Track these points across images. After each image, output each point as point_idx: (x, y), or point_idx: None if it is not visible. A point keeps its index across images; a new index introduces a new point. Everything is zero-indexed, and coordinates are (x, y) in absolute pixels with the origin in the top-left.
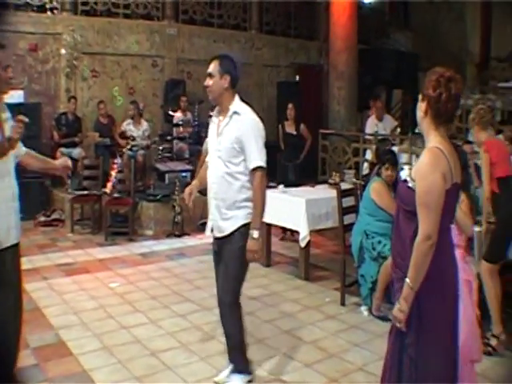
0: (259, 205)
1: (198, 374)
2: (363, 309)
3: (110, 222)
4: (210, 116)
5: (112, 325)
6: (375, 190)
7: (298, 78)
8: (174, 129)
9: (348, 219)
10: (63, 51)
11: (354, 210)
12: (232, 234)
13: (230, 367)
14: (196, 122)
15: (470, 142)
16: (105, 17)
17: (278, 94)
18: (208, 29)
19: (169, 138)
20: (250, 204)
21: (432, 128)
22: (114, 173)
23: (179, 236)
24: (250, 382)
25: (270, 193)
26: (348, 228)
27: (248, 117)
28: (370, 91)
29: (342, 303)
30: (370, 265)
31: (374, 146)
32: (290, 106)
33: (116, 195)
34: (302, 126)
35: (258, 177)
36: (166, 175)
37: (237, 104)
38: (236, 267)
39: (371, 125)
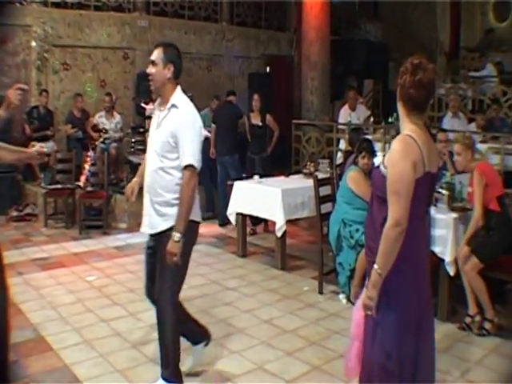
0: (184, 206)
1: (180, 365)
2: (341, 297)
3: (84, 215)
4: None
5: (91, 318)
6: (352, 178)
7: (268, 69)
8: (146, 121)
9: (324, 208)
10: (33, 43)
11: (330, 199)
12: (165, 232)
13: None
14: None
15: (444, 130)
16: (76, 9)
17: (248, 85)
18: (179, 20)
19: (141, 130)
20: None
21: (404, 114)
22: (87, 166)
23: None
24: None
25: (245, 183)
26: (324, 217)
27: (185, 111)
28: (341, 81)
29: (320, 292)
30: (348, 253)
31: (347, 136)
32: (256, 96)
33: (89, 188)
34: (268, 117)
35: (187, 176)
36: (140, 168)
37: (177, 96)
38: (172, 268)
39: (344, 114)
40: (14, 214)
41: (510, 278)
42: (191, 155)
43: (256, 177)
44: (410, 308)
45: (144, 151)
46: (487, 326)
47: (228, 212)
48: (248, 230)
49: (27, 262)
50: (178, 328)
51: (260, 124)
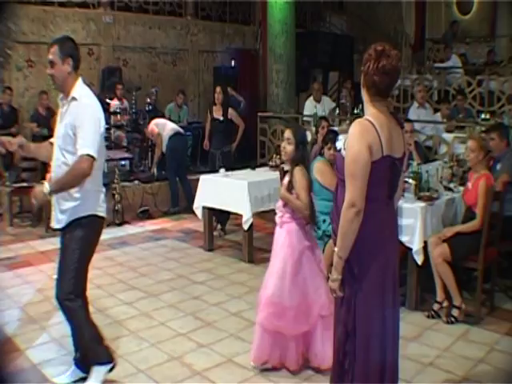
0: (67, 177)
1: (150, 360)
2: None
3: (50, 213)
4: (148, 103)
5: (59, 316)
6: (319, 169)
7: (233, 62)
8: (112, 117)
9: None
10: None
11: None
12: (69, 225)
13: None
14: (133, 110)
15: (410, 121)
16: (39, 5)
17: (214, 79)
18: (144, 15)
19: (106, 126)
20: (88, 195)
21: (367, 100)
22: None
23: (120, 225)
24: (112, 369)
25: (211, 177)
26: None
27: (83, 102)
28: (306, 74)
29: None
30: None
31: (313, 128)
32: (218, 89)
33: None
34: (231, 111)
35: (82, 160)
36: (105, 164)
37: (77, 89)
38: (74, 259)
39: (310, 106)
40: None
41: (476, 265)
42: (86, 146)
43: (222, 170)
44: (372, 290)
45: (109, 147)
46: (455, 312)
47: (194, 206)
48: (217, 232)
49: None
50: (88, 317)
51: (221, 118)
